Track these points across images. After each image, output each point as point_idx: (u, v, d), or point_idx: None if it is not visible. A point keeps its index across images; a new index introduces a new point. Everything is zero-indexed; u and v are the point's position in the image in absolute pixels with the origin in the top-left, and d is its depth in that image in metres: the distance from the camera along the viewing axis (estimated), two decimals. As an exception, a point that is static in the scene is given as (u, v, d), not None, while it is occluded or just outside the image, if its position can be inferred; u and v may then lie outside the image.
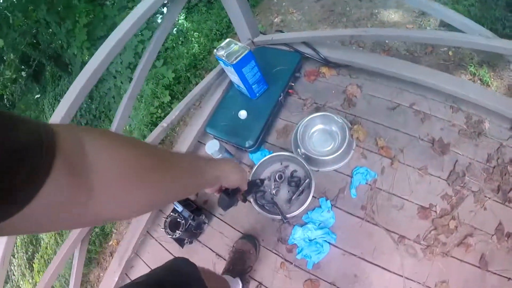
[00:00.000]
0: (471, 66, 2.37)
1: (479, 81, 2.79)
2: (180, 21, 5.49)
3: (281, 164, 1.58)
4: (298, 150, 1.56)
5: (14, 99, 7.55)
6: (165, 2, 1.67)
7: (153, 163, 0.48)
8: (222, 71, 1.78)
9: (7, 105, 7.48)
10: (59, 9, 5.34)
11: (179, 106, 1.72)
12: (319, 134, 1.63)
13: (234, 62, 1.43)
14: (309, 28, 4.01)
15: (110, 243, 3.39)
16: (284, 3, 4.69)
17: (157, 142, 1.69)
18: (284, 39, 1.86)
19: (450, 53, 2.60)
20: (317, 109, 1.73)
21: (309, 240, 1.42)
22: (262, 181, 1.24)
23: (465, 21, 1.24)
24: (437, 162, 1.45)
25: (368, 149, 1.56)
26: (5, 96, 7.12)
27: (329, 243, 1.40)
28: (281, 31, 2.05)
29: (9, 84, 6.84)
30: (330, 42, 1.79)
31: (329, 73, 1.83)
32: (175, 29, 5.39)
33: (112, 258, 3.53)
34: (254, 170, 1.52)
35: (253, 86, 1.60)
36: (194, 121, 1.89)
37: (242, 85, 1.60)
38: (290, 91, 1.77)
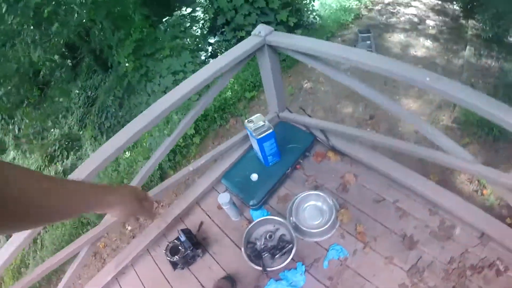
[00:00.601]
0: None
1: (476, 182, 3.08)
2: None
3: (274, 226, 1.90)
4: (291, 218, 1.88)
5: (49, 80, 7.91)
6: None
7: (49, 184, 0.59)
8: (247, 136, 2.16)
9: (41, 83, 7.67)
10: (116, 16, 5.84)
11: (206, 156, 2.09)
12: (311, 209, 1.95)
13: (259, 137, 1.82)
14: (334, 101, 4.44)
15: (97, 244, 3.67)
16: (316, 71, 5.12)
17: (181, 180, 2.06)
18: (304, 122, 2.25)
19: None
20: (316, 187, 2.06)
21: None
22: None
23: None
24: (403, 255, 1.70)
25: (347, 231, 1.85)
26: (41, 73, 7.44)
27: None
28: (303, 110, 2.45)
29: (52, 65, 7.21)
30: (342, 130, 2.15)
31: (334, 158, 2.17)
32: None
33: (95, 259, 3.88)
34: (251, 225, 1.85)
35: (268, 157, 1.99)
36: (214, 169, 2.27)
37: (259, 153, 1.98)
38: (297, 166, 2.13)
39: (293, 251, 1.73)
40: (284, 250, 1.78)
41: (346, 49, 1.68)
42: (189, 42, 5.96)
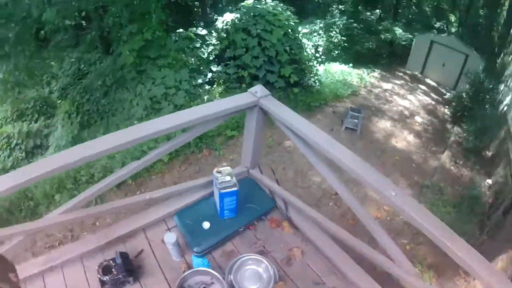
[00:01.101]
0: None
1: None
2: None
3: (211, 279, 1.90)
4: (229, 276, 1.90)
5: (48, 39, 7.85)
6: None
7: None
8: (211, 183, 2.21)
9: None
10: (136, 8, 5.96)
11: (166, 190, 2.13)
12: (251, 272, 1.96)
13: (222, 191, 1.88)
14: (307, 166, 4.58)
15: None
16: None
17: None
18: (269, 186, 2.33)
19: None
20: (262, 252, 2.09)
21: None
22: None
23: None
24: None
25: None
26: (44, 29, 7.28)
27: None
28: (273, 171, 2.54)
29: (60, 24, 7.09)
30: (302, 207, 2.23)
31: (287, 229, 2.23)
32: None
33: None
34: (189, 271, 1.87)
35: (225, 211, 2.04)
36: (169, 202, 2.28)
37: (218, 204, 2.03)
38: (251, 227, 2.18)
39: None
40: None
41: (329, 141, 1.78)
42: (193, 61, 6.09)
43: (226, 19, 6.87)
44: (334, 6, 11.30)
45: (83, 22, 8.18)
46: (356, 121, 5.92)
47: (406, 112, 6.88)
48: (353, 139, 5.81)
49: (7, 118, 7.41)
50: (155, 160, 3.11)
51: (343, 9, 11.11)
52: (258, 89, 1.97)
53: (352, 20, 9.79)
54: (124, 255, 1.95)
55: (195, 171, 4.79)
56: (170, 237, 1.86)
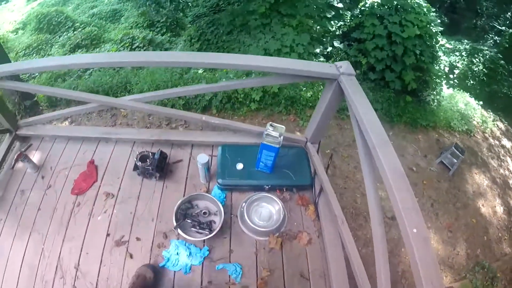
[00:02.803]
0: None
1: None
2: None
3: (215, 211, 2.03)
4: (243, 204, 2.04)
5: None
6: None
7: None
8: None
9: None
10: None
11: (233, 123, 2.27)
12: (264, 210, 2.09)
13: (264, 142, 1.93)
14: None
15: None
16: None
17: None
18: (317, 168, 2.27)
19: None
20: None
21: (177, 254, 1.89)
22: None
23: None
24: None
25: (260, 263, 1.93)
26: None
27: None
28: (331, 158, 2.46)
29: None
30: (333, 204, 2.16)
31: (310, 213, 2.14)
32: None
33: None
34: (203, 193, 2.02)
35: (260, 163, 2.10)
36: (223, 134, 2.44)
37: (259, 154, 2.09)
38: (278, 191, 2.20)
39: (206, 237, 1.90)
40: (201, 231, 1.93)
41: (384, 142, 1.57)
42: (317, 29, 5.95)
43: (367, 0, 6.47)
44: (491, 35, 9.86)
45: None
46: (455, 160, 5.29)
47: (511, 181, 5.92)
48: (441, 176, 5.24)
49: (138, 24, 8.29)
50: (230, 89, 3.27)
51: (498, 40, 9.62)
52: (344, 65, 1.87)
53: (501, 56, 8.47)
54: (163, 155, 2.19)
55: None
56: (202, 158, 2.00)
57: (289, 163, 2.23)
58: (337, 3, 6.56)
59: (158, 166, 2.11)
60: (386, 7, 5.76)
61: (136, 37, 6.83)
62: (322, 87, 5.30)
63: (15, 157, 2.28)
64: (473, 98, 7.31)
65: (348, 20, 6.36)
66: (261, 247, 1.99)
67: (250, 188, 2.17)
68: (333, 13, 6.27)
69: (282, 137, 1.96)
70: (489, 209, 5.09)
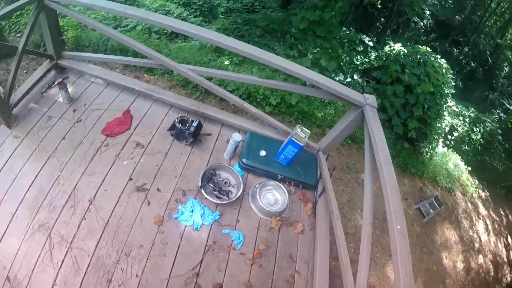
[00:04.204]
0: None
1: None
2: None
3: (235, 183, 2.34)
4: (257, 185, 2.35)
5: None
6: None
7: None
8: (287, 134, 2.61)
9: None
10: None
11: (265, 117, 2.57)
12: (271, 195, 2.41)
13: (292, 138, 2.26)
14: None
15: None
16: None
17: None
18: (323, 173, 2.60)
19: None
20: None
21: (191, 212, 2.17)
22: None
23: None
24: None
25: (259, 235, 2.23)
26: None
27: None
28: (333, 170, 2.80)
29: None
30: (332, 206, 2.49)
31: (308, 209, 2.47)
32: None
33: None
34: (227, 165, 2.35)
35: (281, 155, 2.44)
36: (254, 123, 2.77)
37: (280, 148, 2.42)
38: (287, 182, 2.52)
39: (224, 202, 2.20)
40: (220, 196, 2.24)
41: (388, 162, 1.98)
42: (344, 60, 6.32)
43: (394, 47, 6.92)
44: (498, 110, 10.42)
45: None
46: (432, 211, 5.71)
47: (477, 245, 6.35)
48: (415, 220, 5.64)
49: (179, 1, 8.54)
50: (270, 86, 3.56)
51: (503, 117, 10.21)
52: (371, 98, 2.22)
53: (500, 132, 9.06)
54: (200, 125, 2.48)
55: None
56: (237, 137, 2.32)
57: (301, 163, 2.55)
58: (368, 41, 6.99)
59: (194, 133, 2.41)
60: (411, 58, 6.18)
61: (171, 11, 6.99)
62: (333, 111, 5.70)
63: (55, 83, 2.44)
64: (463, 162, 7.80)
65: (373, 59, 6.77)
66: (263, 224, 2.28)
67: (265, 173, 2.48)
68: (362, 48, 6.68)
69: (306, 139, 2.30)
70: (450, 262, 5.50)
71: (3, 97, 2.29)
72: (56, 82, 2.48)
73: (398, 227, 1.60)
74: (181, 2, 7.70)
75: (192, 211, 2.17)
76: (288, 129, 2.70)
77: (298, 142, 2.28)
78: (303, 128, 2.36)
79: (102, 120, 2.51)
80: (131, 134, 2.49)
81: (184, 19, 7.06)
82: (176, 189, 2.26)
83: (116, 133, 2.45)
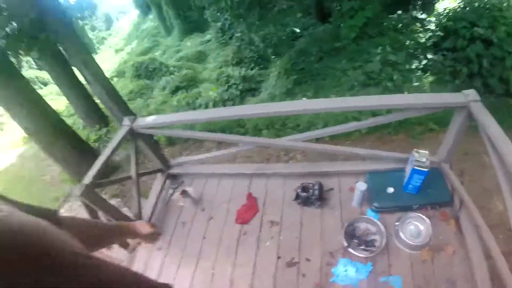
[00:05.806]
0: None
1: None
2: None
3: (375, 230, 2.38)
4: (396, 224, 2.33)
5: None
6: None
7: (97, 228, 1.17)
8: (407, 159, 2.55)
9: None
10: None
11: (367, 151, 2.62)
12: (413, 227, 2.36)
13: (415, 167, 2.27)
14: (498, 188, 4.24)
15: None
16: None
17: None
18: (453, 184, 2.50)
19: None
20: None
21: (345, 271, 2.25)
22: None
23: None
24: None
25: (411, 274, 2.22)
26: None
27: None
28: (462, 178, 2.66)
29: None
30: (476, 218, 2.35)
31: (452, 227, 2.37)
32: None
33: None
34: (363, 216, 2.41)
35: (409, 185, 2.42)
36: (367, 163, 2.80)
37: (406, 178, 2.41)
38: (424, 209, 2.46)
39: (374, 254, 2.24)
40: (367, 248, 2.30)
41: None
42: (409, 43, 6.05)
43: (447, 5, 6.39)
44: None
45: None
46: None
47: None
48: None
49: (228, 62, 9.18)
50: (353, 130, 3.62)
51: None
52: (471, 93, 2.13)
53: None
54: (320, 185, 2.61)
55: (386, 150, 5.06)
56: (362, 186, 2.40)
57: (429, 183, 2.49)
58: (420, 14, 6.62)
59: (319, 196, 2.54)
60: (468, 9, 5.65)
61: (231, 75, 7.59)
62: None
63: (174, 192, 2.78)
64: None
65: (435, 29, 6.34)
66: (415, 259, 2.26)
67: (399, 209, 2.48)
68: (419, 25, 6.34)
69: (428, 160, 2.27)
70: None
71: (135, 220, 2.62)
72: (177, 192, 2.83)
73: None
74: (234, 62, 8.26)
75: (345, 270, 2.27)
76: (401, 155, 2.69)
77: (422, 169, 2.26)
78: (419, 150, 2.34)
79: (230, 211, 2.76)
80: (262, 216, 2.69)
81: (244, 77, 7.54)
82: (323, 254, 2.37)
83: (249, 218, 2.67)
